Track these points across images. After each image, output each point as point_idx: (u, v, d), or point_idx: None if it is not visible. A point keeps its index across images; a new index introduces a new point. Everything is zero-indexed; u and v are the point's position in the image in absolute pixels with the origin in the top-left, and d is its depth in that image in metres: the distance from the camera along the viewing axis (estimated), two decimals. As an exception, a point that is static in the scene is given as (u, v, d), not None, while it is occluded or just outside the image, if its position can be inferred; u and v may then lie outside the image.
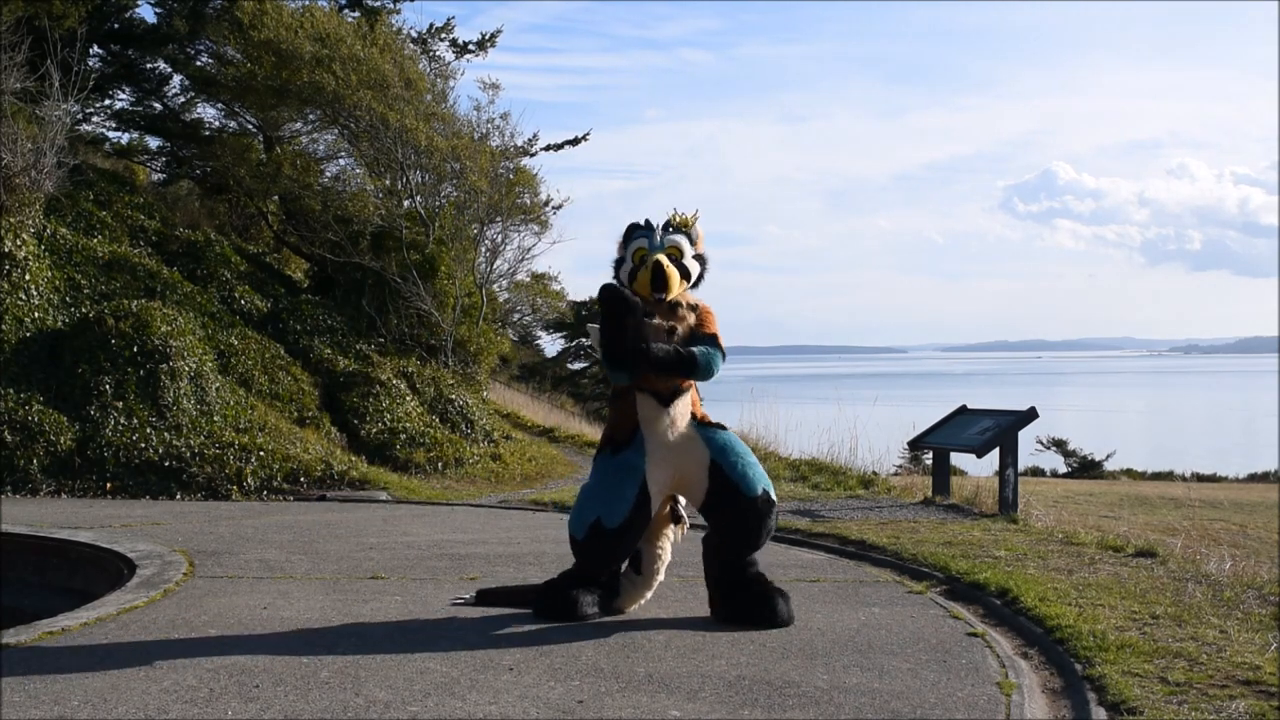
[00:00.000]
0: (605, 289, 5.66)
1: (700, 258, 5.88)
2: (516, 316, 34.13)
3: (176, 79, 20.39)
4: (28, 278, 13.00)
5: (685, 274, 5.76)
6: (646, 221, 5.92)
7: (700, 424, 5.80)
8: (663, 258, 5.65)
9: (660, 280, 5.60)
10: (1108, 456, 31.11)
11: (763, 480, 5.73)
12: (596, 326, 5.76)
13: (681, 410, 5.75)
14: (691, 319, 5.81)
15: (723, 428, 5.87)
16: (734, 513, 5.68)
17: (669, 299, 5.69)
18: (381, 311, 17.08)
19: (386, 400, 14.73)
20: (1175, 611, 5.86)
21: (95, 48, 19.00)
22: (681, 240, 5.81)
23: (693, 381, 5.84)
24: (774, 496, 5.77)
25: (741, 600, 5.70)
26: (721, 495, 5.67)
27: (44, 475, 11.52)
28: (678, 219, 5.90)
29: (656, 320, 5.69)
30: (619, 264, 5.88)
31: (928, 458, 16.18)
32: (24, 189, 13.33)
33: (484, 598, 6.23)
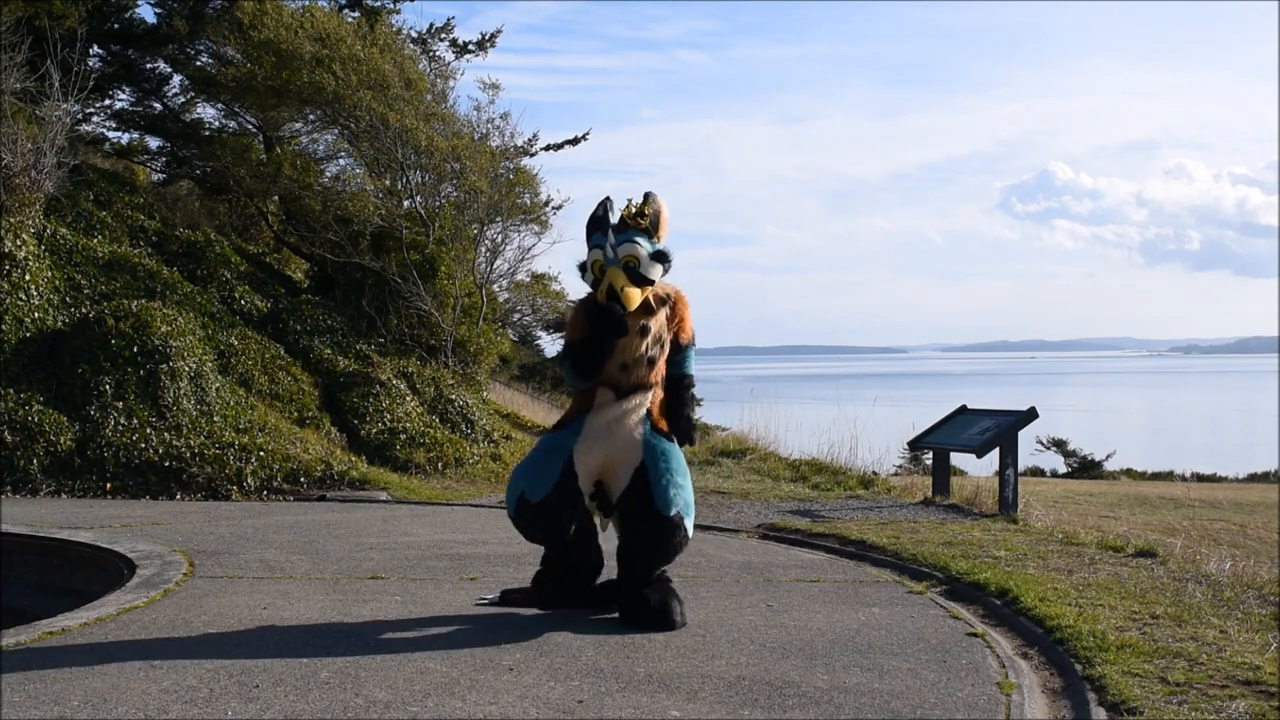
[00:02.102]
0: (604, 310, 5.45)
1: (661, 254, 5.58)
2: (516, 316, 34.12)
3: (176, 79, 20.37)
4: (28, 278, 12.99)
5: (646, 283, 5.54)
6: (604, 212, 5.64)
7: (653, 429, 5.71)
8: (619, 278, 5.43)
9: (619, 305, 5.44)
10: (1108, 456, 31.13)
11: (681, 504, 5.63)
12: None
13: (635, 405, 5.65)
14: (663, 315, 5.65)
15: (671, 438, 5.76)
16: (641, 521, 5.64)
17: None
18: (381, 311, 17.08)
19: (386, 400, 14.72)
20: (1175, 611, 5.86)
21: (95, 48, 18.98)
22: (638, 246, 5.50)
23: (657, 380, 5.75)
24: (688, 526, 5.69)
25: (634, 604, 5.69)
26: (635, 500, 5.63)
27: (44, 475, 11.51)
28: (631, 212, 5.63)
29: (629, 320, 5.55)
30: (583, 269, 5.68)
31: (928, 458, 16.17)
32: (24, 189, 13.32)
33: (507, 598, 6.22)
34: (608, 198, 5.74)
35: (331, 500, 11.60)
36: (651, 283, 5.57)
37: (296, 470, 12.19)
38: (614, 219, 5.64)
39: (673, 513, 5.60)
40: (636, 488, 5.63)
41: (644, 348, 5.59)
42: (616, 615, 5.81)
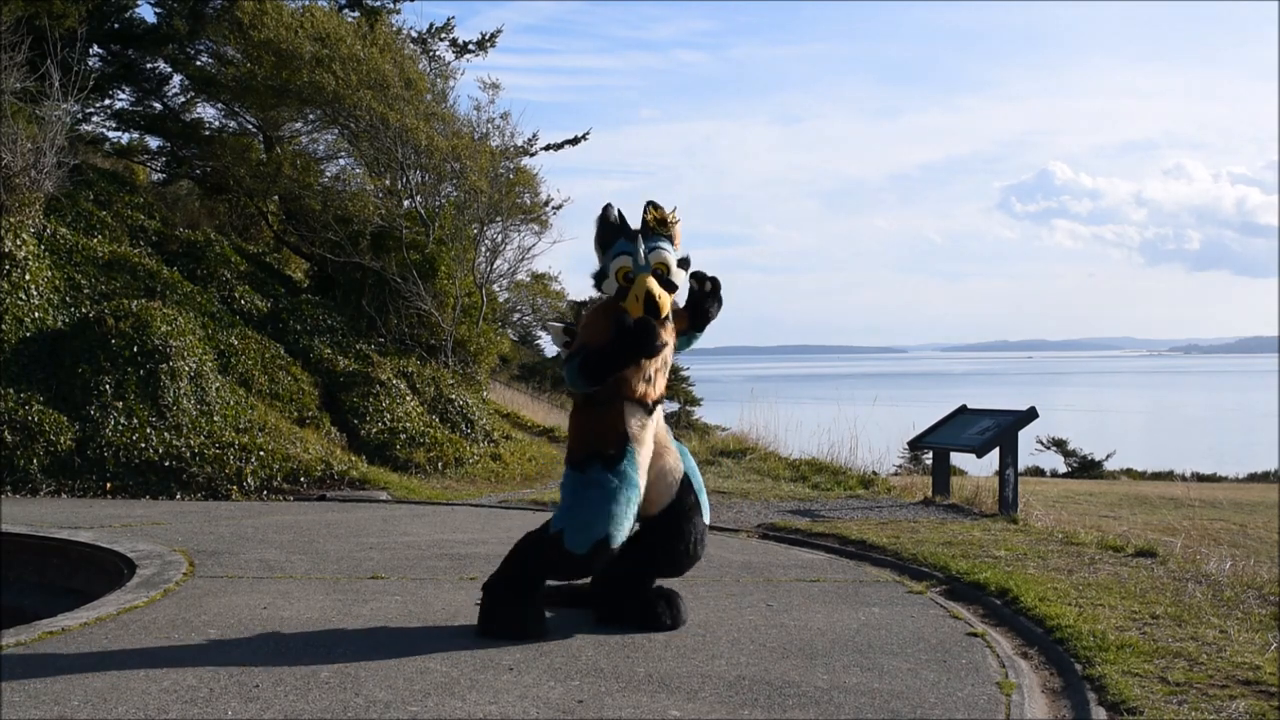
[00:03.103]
0: (646, 324, 5.19)
1: (685, 261, 5.52)
2: (516, 316, 34.14)
3: (176, 79, 20.38)
4: (28, 278, 12.99)
5: (674, 290, 5.45)
6: (622, 220, 5.46)
7: (674, 436, 5.75)
8: (653, 285, 5.29)
9: (654, 311, 5.29)
10: (1108, 456, 31.11)
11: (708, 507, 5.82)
12: (559, 325, 5.54)
13: (661, 419, 5.61)
14: (672, 325, 5.58)
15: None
16: (689, 528, 5.60)
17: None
18: (381, 311, 17.08)
19: (386, 400, 14.72)
20: (1175, 611, 5.86)
21: (95, 48, 18.99)
22: (666, 252, 5.40)
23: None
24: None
25: (638, 606, 5.64)
26: (683, 510, 5.58)
27: (44, 475, 11.51)
28: (654, 217, 5.45)
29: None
30: (600, 277, 5.46)
31: (928, 458, 16.17)
32: (24, 189, 13.33)
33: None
34: (609, 205, 5.54)
35: (331, 500, 11.60)
36: (677, 289, 5.48)
37: (296, 470, 12.19)
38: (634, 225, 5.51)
39: (709, 518, 5.75)
40: (684, 497, 5.60)
41: (662, 359, 5.49)
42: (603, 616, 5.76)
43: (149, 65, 20.07)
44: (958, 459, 15.83)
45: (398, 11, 22.33)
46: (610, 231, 5.45)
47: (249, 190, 19.25)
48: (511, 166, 19.88)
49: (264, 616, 5.84)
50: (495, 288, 21.65)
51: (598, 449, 5.33)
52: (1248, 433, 51.86)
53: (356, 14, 20.63)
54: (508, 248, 20.40)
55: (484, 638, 5.36)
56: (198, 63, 19.87)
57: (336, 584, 6.78)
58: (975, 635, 5.55)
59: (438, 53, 22.94)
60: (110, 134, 20.72)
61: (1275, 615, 5.84)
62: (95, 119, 19.95)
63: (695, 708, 4.30)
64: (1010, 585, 6.42)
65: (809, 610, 6.07)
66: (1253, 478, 28.50)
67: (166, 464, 11.84)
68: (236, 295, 15.62)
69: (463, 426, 15.43)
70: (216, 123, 20.55)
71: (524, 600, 5.43)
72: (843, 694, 4.49)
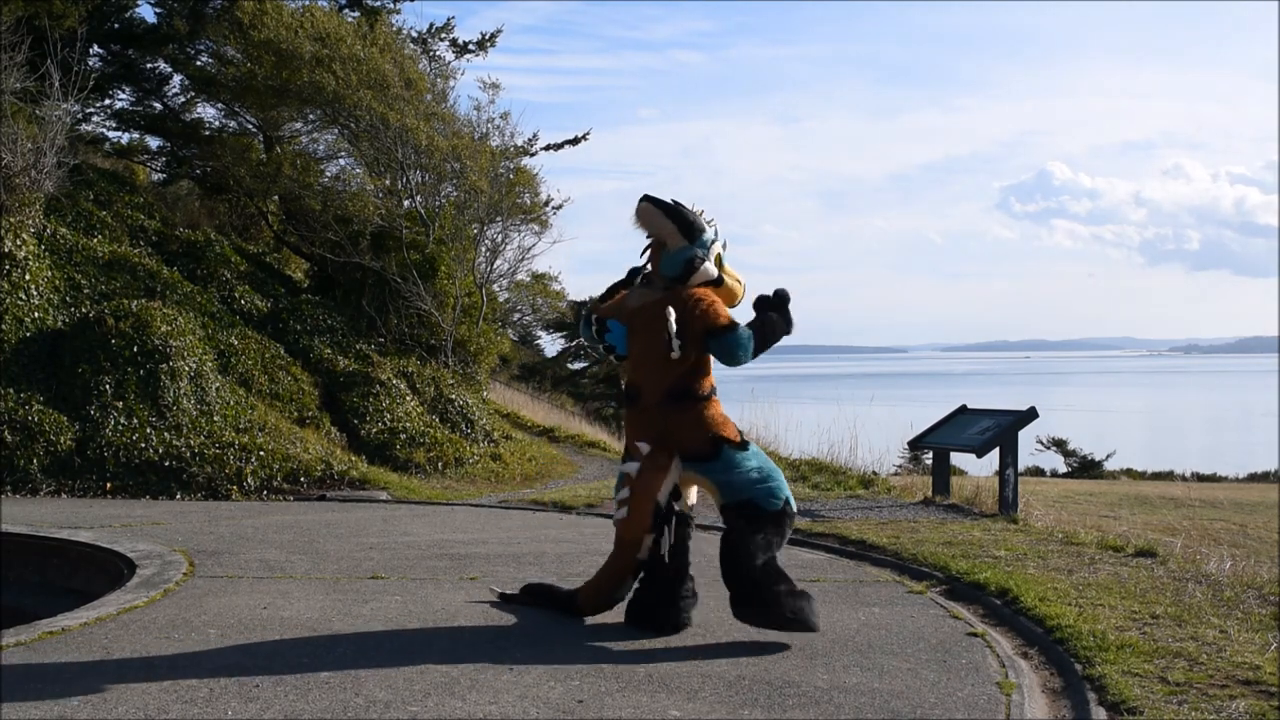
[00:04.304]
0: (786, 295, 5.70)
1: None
2: (516, 316, 34.15)
3: (176, 79, 20.40)
4: (28, 278, 12.99)
5: None
6: (698, 210, 5.69)
7: None
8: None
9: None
10: (1108, 456, 31.07)
11: None
12: (672, 312, 5.40)
13: None
14: None
15: None
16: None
17: None
18: (381, 311, 17.08)
19: (386, 400, 14.73)
20: (1175, 611, 5.86)
21: (95, 48, 18.99)
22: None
23: None
24: None
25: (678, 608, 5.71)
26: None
27: (44, 475, 11.52)
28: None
29: None
30: (695, 261, 5.51)
31: (928, 458, 16.17)
32: (24, 189, 13.33)
33: (528, 594, 6.20)
34: (649, 194, 5.70)
35: (331, 500, 11.60)
36: None
37: (296, 470, 12.20)
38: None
39: None
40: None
41: None
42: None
43: (149, 65, 20.08)
44: (958, 459, 15.83)
45: (398, 11, 22.37)
46: (692, 218, 5.58)
47: (249, 190, 19.26)
48: (511, 166, 19.89)
49: (264, 616, 5.84)
50: (495, 288, 21.66)
51: (738, 429, 5.68)
52: (1248, 433, 51.86)
53: (356, 14, 20.64)
54: (508, 248, 20.44)
55: (787, 630, 5.27)
56: (198, 63, 19.87)
57: (336, 584, 6.78)
58: (975, 635, 5.55)
59: (438, 53, 22.97)
60: (110, 134, 20.76)
61: (1275, 615, 5.84)
62: (95, 119, 19.98)
63: (695, 708, 4.30)
64: (1010, 585, 6.42)
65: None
66: (1253, 478, 28.48)
67: (166, 464, 11.85)
68: (236, 295, 15.62)
69: (463, 426, 15.44)
70: (216, 123, 20.56)
71: (790, 582, 5.32)
72: (843, 694, 4.49)
